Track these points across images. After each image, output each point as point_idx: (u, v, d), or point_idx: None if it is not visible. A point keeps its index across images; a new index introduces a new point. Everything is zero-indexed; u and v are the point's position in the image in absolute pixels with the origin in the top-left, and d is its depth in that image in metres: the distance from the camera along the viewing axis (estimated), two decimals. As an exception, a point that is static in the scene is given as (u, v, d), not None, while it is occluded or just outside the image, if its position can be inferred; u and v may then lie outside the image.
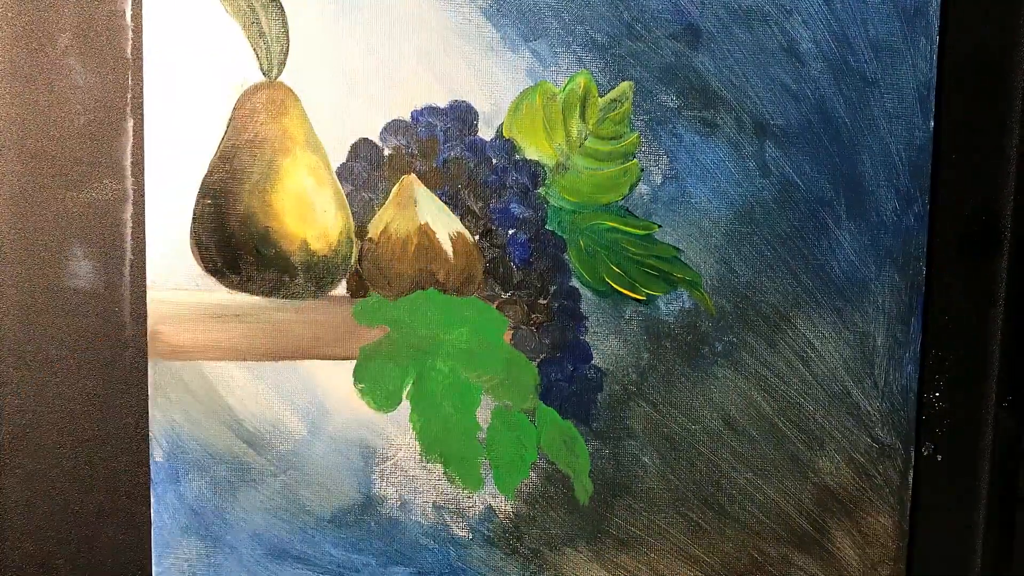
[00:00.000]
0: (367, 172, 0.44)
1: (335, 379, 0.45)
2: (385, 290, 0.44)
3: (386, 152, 0.44)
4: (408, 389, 0.45)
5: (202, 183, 0.44)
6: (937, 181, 0.45)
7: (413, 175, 0.44)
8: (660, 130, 0.44)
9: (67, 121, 0.44)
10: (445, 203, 0.44)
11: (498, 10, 0.43)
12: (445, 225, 0.44)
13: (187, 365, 0.44)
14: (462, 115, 0.44)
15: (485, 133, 0.44)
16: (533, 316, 0.45)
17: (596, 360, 0.45)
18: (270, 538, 0.45)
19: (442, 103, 0.44)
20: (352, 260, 0.44)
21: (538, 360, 0.45)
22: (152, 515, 0.45)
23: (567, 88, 0.44)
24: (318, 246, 0.44)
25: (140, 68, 0.43)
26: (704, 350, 0.45)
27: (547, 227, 0.45)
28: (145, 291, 0.44)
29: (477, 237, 0.44)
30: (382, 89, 0.44)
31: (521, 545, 0.46)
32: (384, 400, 0.45)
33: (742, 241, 0.45)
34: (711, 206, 0.45)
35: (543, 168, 0.44)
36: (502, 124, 0.44)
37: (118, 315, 0.44)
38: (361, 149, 0.44)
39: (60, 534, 0.46)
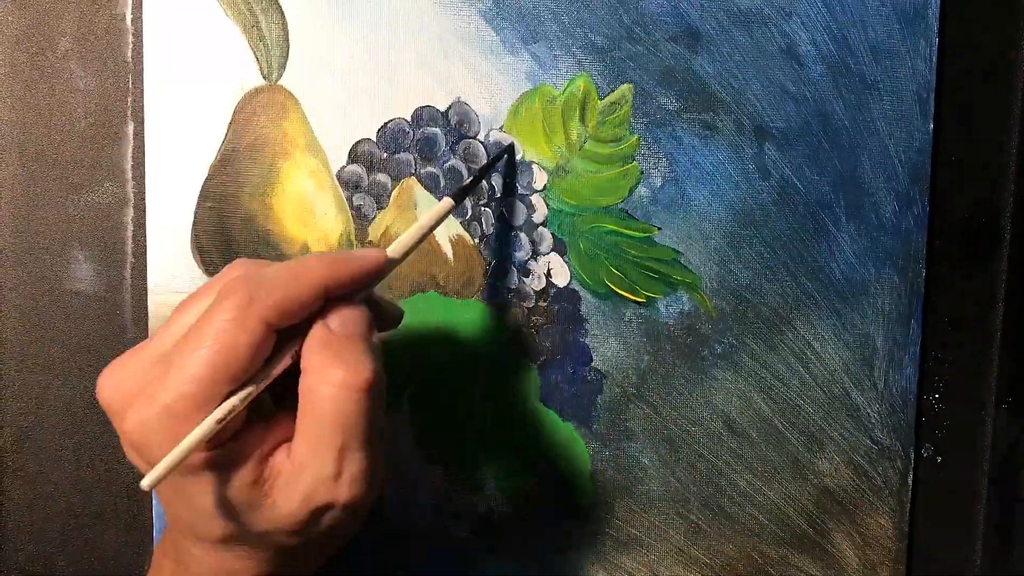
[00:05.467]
0: (367, 175, 0.44)
1: (336, 382, 0.45)
2: (385, 293, 0.44)
3: (386, 155, 0.44)
4: (408, 392, 0.45)
5: (203, 186, 0.44)
6: (936, 183, 0.45)
7: (413, 178, 0.44)
8: (660, 133, 0.44)
9: (67, 125, 0.44)
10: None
11: (497, 13, 0.43)
12: (445, 228, 0.44)
13: (188, 368, 0.44)
14: (462, 118, 0.44)
15: (485, 136, 0.44)
16: (533, 319, 0.45)
17: (596, 362, 0.45)
18: (271, 540, 0.45)
19: (442, 106, 0.44)
20: (352, 263, 0.44)
21: (538, 362, 0.45)
22: (153, 517, 0.45)
23: (566, 91, 0.44)
24: (318, 249, 0.44)
25: (140, 72, 0.44)
26: (704, 352, 0.45)
27: (547, 230, 0.45)
28: (146, 294, 0.44)
29: (477, 240, 0.45)
30: (382, 92, 0.44)
31: (521, 547, 0.46)
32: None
33: (742, 243, 0.45)
34: (711, 208, 0.45)
35: (543, 171, 0.44)
36: (502, 127, 0.44)
37: (119, 318, 0.45)
38: (361, 152, 0.44)
39: (61, 535, 0.46)
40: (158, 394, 0.30)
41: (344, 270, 0.33)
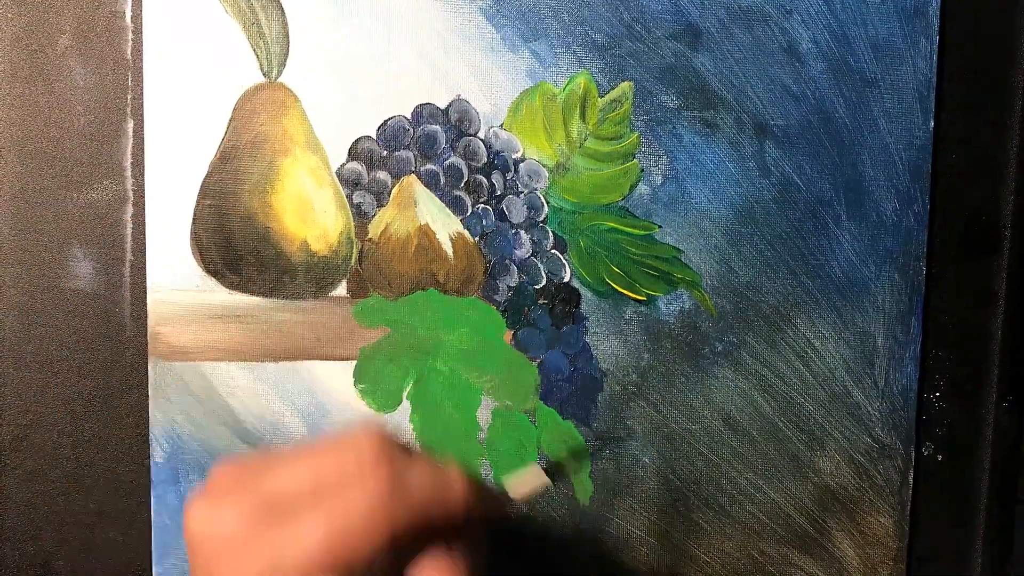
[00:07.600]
0: (367, 172, 0.44)
1: (335, 380, 0.45)
2: (385, 291, 0.44)
3: (386, 153, 0.44)
4: (408, 390, 0.45)
5: (202, 184, 0.44)
6: (937, 181, 0.45)
7: (413, 175, 0.44)
8: (660, 130, 0.44)
9: (67, 122, 0.44)
10: (445, 204, 0.44)
11: (498, 11, 0.43)
12: (445, 226, 0.44)
13: (187, 366, 0.44)
14: (462, 115, 0.44)
15: (485, 133, 0.44)
16: (533, 317, 0.45)
17: (596, 360, 0.45)
18: (270, 539, 0.45)
19: (442, 103, 0.44)
20: (352, 261, 0.44)
21: (538, 360, 0.45)
22: (152, 516, 0.45)
23: (567, 88, 0.44)
24: (318, 247, 0.44)
25: (140, 69, 0.43)
26: (704, 350, 0.45)
27: (547, 227, 0.45)
28: (145, 292, 0.44)
29: (477, 238, 0.44)
30: (382, 89, 0.44)
31: (521, 546, 0.46)
32: (384, 400, 0.45)
33: (742, 241, 0.45)
34: (711, 206, 0.45)
35: (543, 168, 0.44)
36: (502, 124, 0.44)
37: (118, 316, 0.44)
38: (361, 149, 0.44)
39: (60, 535, 0.46)
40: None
41: (483, 498, 0.33)
